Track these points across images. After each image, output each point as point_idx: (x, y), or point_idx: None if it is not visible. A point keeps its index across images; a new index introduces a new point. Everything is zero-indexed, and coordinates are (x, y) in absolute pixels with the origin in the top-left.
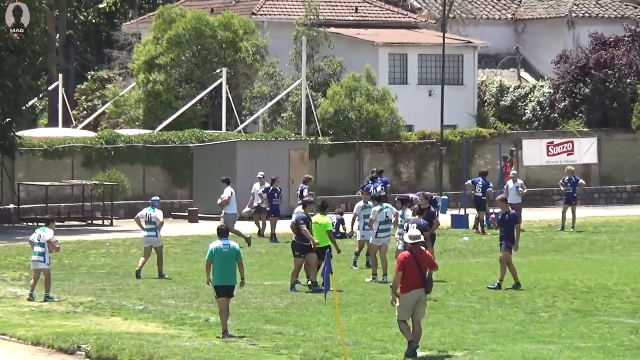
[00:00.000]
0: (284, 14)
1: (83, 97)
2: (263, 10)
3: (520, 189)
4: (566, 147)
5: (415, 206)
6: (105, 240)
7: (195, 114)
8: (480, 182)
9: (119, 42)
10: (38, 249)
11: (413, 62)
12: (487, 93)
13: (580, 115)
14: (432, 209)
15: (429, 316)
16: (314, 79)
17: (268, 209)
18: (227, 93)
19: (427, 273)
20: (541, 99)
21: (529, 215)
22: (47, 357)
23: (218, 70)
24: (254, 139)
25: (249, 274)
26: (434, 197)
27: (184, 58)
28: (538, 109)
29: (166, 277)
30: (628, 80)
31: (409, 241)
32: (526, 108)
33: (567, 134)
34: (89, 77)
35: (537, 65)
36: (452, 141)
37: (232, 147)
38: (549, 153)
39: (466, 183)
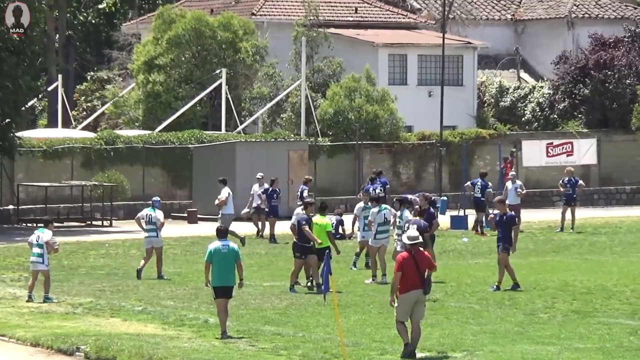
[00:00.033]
0: (284, 15)
1: (83, 98)
2: (263, 11)
3: (519, 190)
4: (566, 148)
5: (417, 207)
6: (104, 241)
7: (195, 114)
8: (479, 183)
9: (119, 42)
10: (37, 250)
11: (413, 63)
12: (487, 94)
13: (579, 116)
14: (431, 210)
15: (428, 317)
16: (314, 79)
17: (267, 209)
18: (226, 94)
19: (426, 274)
20: (541, 100)
21: (528, 216)
22: (46, 358)
23: (218, 71)
24: (253, 139)
25: (249, 275)
26: (432, 198)
27: (183, 59)
28: (538, 110)
29: (165, 278)
30: (628, 81)
31: (408, 242)
32: (526, 109)
33: (567, 135)
34: (89, 77)
35: (537, 66)
36: (451, 142)
37: (232, 148)
38: (549, 154)
39: (465, 185)
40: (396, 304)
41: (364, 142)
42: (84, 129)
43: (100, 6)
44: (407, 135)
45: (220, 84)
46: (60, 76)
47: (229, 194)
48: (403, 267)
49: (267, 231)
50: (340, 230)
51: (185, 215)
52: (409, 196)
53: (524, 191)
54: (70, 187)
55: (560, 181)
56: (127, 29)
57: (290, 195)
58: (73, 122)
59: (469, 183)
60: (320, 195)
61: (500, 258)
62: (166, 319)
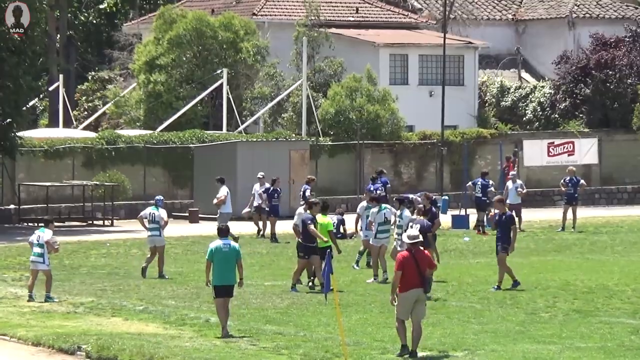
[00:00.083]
0: (285, 15)
1: (84, 98)
2: (264, 11)
3: (519, 189)
4: (567, 148)
5: (420, 206)
6: (105, 240)
7: (196, 114)
8: (479, 183)
9: (120, 42)
10: (37, 249)
11: (414, 63)
12: (488, 94)
13: (581, 115)
14: (433, 209)
15: (430, 316)
16: (315, 79)
17: (267, 209)
18: (227, 93)
19: (426, 273)
20: (542, 100)
21: (529, 215)
22: (47, 357)
23: (219, 71)
24: (254, 139)
25: (250, 274)
26: (433, 197)
27: (184, 59)
28: (539, 110)
29: (166, 277)
30: (629, 80)
31: (408, 241)
32: (527, 108)
33: (568, 135)
34: (90, 77)
35: (538, 65)
36: (452, 142)
37: (233, 148)
38: (550, 154)
39: (467, 185)
40: (396, 303)
41: (365, 142)
42: (85, 128)
43: (101, 6)
44: (408, 135)
45: (222, 84)
46: (61, 76)
47: (227, 192)
48: (403, 266)
49: (268, 230)
50: (341, 230)
51: (187, 214)
52: (410, 195)
53: (525, 190)
54: (71, 186)
55: (562, 180)
56: (128, 29)
57: (292, 195)
58: (74, 122)
59: (470, 183)
60: (321, 195)
61: (499, 258)
62: (167, 319)
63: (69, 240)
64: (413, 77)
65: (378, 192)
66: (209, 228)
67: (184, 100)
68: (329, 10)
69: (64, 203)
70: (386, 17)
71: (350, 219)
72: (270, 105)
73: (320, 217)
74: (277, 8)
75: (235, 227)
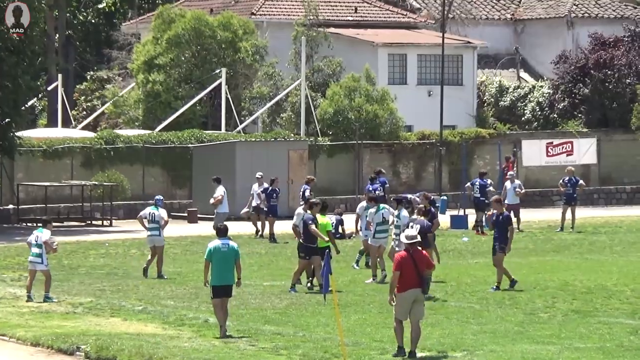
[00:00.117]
0: (284, 14)
1: (82, 98)
2: (262, 11)
3: (518, 189)
4: (565, 148)
5: (421, 206)
6: (104, 240)
7: (195, 114)
8: (477, 183)
9: (119, 42)
10: (35, 250)
11: (412, 63)
12: (487, 93)
13: (579, 115)
14: (432, 209)
15: (429, 317)
16: (314, 79)
17: (266, 209)
18: (226, 93)
19: (424, 273)
20: (540, 100)
21: (528, 215)
22: (46, 357)
23: (217, 71)
24: (253, 139)
25: (249, 274)
26: (432, 197)
27: (183, 58)
28: (537, 110)
29: (165, 277)
30: (627, 80)
31: (406, 241)
32: (525, 108)
33: (567, 135)
34: (89, 77)
35: (537, 65)
36: (451, 141)
37: (232, 148)
38: (549, 153)
39: (466, 185)
40: (395, 303)
41: (363, 142)
42: (83, 128)
43: (100, 6)
44: (407, 134)
45: (220, 84)
46: (60, 76)
47: (224, 192)
48: (401, 266)
49: (266, 230)
50: (340, 230)
51: (185, 214)
52: (409, 195)
53: (523, 190)
54: (70, 186)
55: (561, 180)
56: (126, 28)
57: (290, 195)
58: (73, 122)
59: (468, 184)
60: (320, 195)
61: (498, 258)
62: (166, 319)
63: (68, 241)
64: (412, 76)
65: (377, 192)
66: (207, 228)
67: (182, 100)
68: (328, 9)
69: (62, 203)
70: (385, 17)
71: (349, 219)
72: (269, 105)
73: (319, 217)
74: (275, 7)
75: (233, 227)
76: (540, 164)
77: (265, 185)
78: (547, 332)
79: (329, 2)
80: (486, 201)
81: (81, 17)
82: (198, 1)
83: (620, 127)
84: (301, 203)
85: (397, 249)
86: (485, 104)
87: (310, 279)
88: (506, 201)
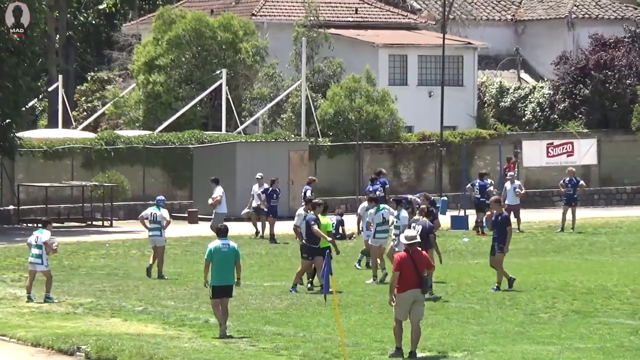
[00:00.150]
0: (284, 15)
1: (83, 98)
2: (263, 11)
3: (517, 190)
4: (566, 149)
5: (423, 207)
6: (105, 241)
7: (195, 115)
8: (477, 184)
9: (119, 43)
10: (35, 251)
11: (413, 63)
12: (487, 94)
13: (580, 116)
14: (432, 210)
15: (429, 317)
16: (314, 80)
17: (266, 209)
18: (227, 94)
19: (424, 273)
20: (541, 100)
21: (528, 216)
22: (46, 358)
23: (218, 72)
24: (253, 140)
25: (249, 275)
26: (432, 198)
27: (183, 59)
28: (538, 110)
29: (166, 277)
30: (628, 81)
31: (405, 242)
32: (526, 109)
33: (567, 135)
34: (89, 78)
35: (537, 66)
36: (452, 142)
37: (232, 149)
38: (549, 154)
39: (467, 187)
40: (394, 304)
41: (364, 143)
42: (84, 129)
43: (100, 7)
44: (408, 135)
45: (221, 85)
46: (60, 77)
47: (222, 193)
48: (401, 266)
49: (267, 231)
50: (340, 231)
51: (186, 215)
52: (409, 196)
53: (523, 191)
54: (70, 187)
55: (561, 181)
56: (127, 29)
57: (291, 196)
58: (73, 123)
59: (469, 185)
60: (320, 196)
61: (497, 258)
62: (167, 319)
63: (68, 241)
64: (412, 77)
65: (377, 192)
66: (208, 229)
67: (183, 101)
68: (328, 10)
69: (63, 204)
70: (385, 18)
71: (349, 220)
72: (269, 105)
73: (320, 218)
74: (276, 8)
75: (234, 227)
76: (540, 165)
77: (266, 185)
78: (547, 332)
79: (330, 3)
80: (486, 202)
81: (82, 18)
82: (198, 2)
83: (620, 127)
84: (303, 204)
85: (396, 249)
86: (486, 105)
87: (311, 279)
88: (506, 202)
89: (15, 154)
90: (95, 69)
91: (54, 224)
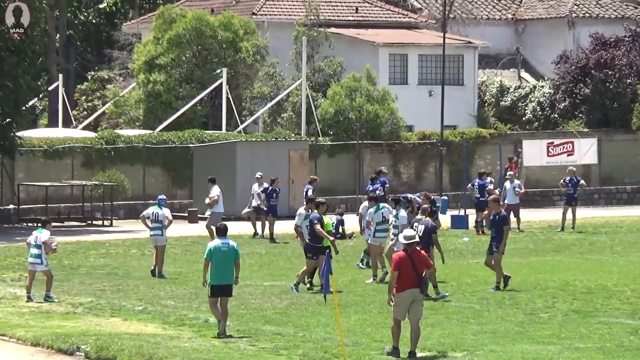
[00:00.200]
0: (284, 14)
1: (83, 98)
2: (263, 11)
3: (517, 189)
4: (566, 148)
5: (426, 206)
6: (105, 240)
7: (196, 114)
8: (476, 183)
9: (119, 42)
10: (34, 250)
11: (413, 63)
12: (488, 93)
13: (580, 115)
14: (436, 210)
15: (429, 317)
16: (314, 79)
17: (265, 209)
18: (227, 93)
19: (423, 273)
20: (541, 100)
21: (528, 215)
22: (46, 357)
23: (218, 71)
24: (254, 139)
25: (249, 274)
26: (432, 197)
27: (184, 58)
28: (538, 110)
29: (166, 277)
30: (628, 80)
31: (404, 241)
32: (526, 108)
33: (568, 135)
34: (89, 77)
35: (538, 65)
36: (452, 141)
37: (232, 148)
38: (549, 153)
39: (467, 187)
40: (393, 303)
41: (364, 142)
42: (84, 128)
43: (100, 6)
44: (408, 134)
45: (221, 84)
46: (60, 76)
47: (219, 192)
48: (399, 266)
49: (266, 230)
50: (340, 230)
51: (186, 214)
52: (409, 195)
53: (522, 190)
54: (70, 186)
55: (562, 180)
56: (127, 28)
57: (291, 195)
58: (74, 122)
59: (469, 185)
60: (320, 195)
61: (495, 258)
62: (166, 319)
63: (68, 241)
64: (412, 76)
65: (377, 192)
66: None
67: (183, 100)
68: (329, 9)
69: (63, 203)
70: (386, 17)
71: (349, 220)
72: (269, 105)
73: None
74: (276, 7)
75: (233, 227)
76: (541, 164)
77: (265, 185)
78: (547, 332)
79: (330, 2)
80: (486, 201)
81: (82, 17)
82: (199, 1)
83: (621, 127)
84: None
85: (395, 248)
86: (486, 104)
87: (310, 279)
88: (506, 201)
89: (15, 153)
90: (96, 68)
91: (54, 224)
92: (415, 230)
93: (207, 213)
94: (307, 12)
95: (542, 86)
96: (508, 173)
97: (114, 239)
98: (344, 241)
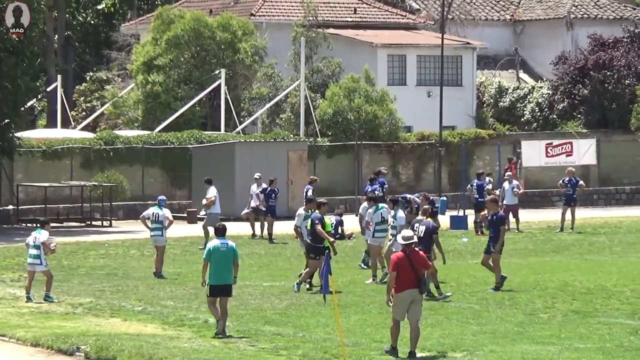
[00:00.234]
0: (283, 15)
1: (82, 98)
2: (262, 12)
3: (515, 189)
4: (565, 149)
5: (427, 207)
6: (104, 241)
7: (194, 115)
8: (475, 184)
9: (118, 43)
10: (33, 251)
11: (412, 63)
12: (486, 94)
13: (579, 116)
14: (437, 211)
15: (428, 317)
16: (313, 80)
17: (264, 209)
18: (226, 94)
19: (421, 273)
20: (540, 100)
21: (527, 216)
22: (46, 358)
23: (217, 72)
24: (252, 140)
25: (248, 275)
26: (431, 198)
27: (182, 59)
28: (537, 110)
29: (165, 277)
30: (627, 81)
31: (402, 242)
32: (525, 109)
33: (566, 135)
34: (88, 78)
35: (536, 66)
36: (451, 142)
37: (231, 148)
38: (548, 154)
39: (467, 188)
40: (392, 304)
41: (363, 143)
42: (83, 129)
43: (99, 7)
44: (407, 135)
45: (220, 85)
46: (59, 76)
47: (216, 193)
48: (398, 267)
49: (265, 231)
50: (339, 231)
51: (185, 215)
52: (408, 196)
53: (521, 190)
54: (69, 187)
55: (560, 181)
56: (126, 29)
57: (290, 196)
58: (72, 123)
59: (469, 185)
60: (319, 196)
61: (494, 258)
62: (166, 319)
63: (68, 241)
64: (411, 77)
65: (376, 192)
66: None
67: (182, 101)
68: (327, 10)
69: (62, 204)
70: (384, 18)
71: (348, 220)
72: (268, 105)
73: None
74: (275, 8)
75: (233, 227)
76: (539, 165)
77: (264, 185)
78: (546, 332)
79: (329, 3)
80: (483, 201)
81: (80, 18)
82: (197, 2)
83: (619, 127)
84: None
85: (393, 249)
86: (485, 105)
87: (310, 280)
88: (505, 202)
89: (14, 154)
90: (94, 69)
91: (53, 224)
92: (416, 231)
93: (202, 213)
94: (306, 13)
95: (541, 87)
96: (507, 174)
97: (113, 240)
98: (343, 242)
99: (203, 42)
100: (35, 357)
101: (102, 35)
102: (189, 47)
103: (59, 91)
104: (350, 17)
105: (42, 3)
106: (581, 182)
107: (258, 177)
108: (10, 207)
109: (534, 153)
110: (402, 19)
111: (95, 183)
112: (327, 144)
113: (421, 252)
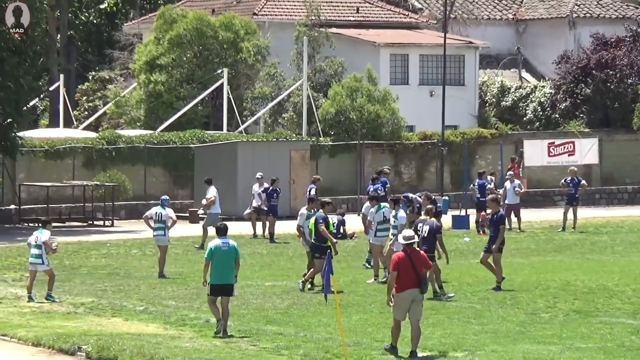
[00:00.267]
0: (285, 15)
1: (84, 98)
2: (264, 11)
3: (517, 189)
4: (567, 148)
5: (431, 207)
6: (106, 240)
7: (197, 114)
8: (476, 183)
9: (120, 42)
10: (35, 251)
11: (414, 63)
12: (488, 93)
13: (581, 115)
14: (441, 210)
15: (430, 317)
16: (315, 79)
17: (266, 209)
18: (228, 93)
19: (422, 273)
20: (542, 100)
21: (529, 215)
22: (47, 357)
23: (219, 71)
24: (255, 139)
25: (250, 274)
26: (433, 197)
27: (185, 58)
28: (539, 110)
29: (167, 277)
30: (629, 80)
31: (403, 242)
32: (527, 108)
33: (568, 135)
34: (90, 77)
35: (539, 65)
36: (453, 142)
37: (233, 148)
38: (550, 154)
39: (469, 187)
40: (393, 304)
41: (365, 142)
42: (85, 128)
43: (101, 6)
44: (409, 134)
45: (222, 84)
46: (61, 76)
47: (216, 193)
48: (399, 266)
49: (267, 231)
50: (341, 230)
51: (187, 215)
52: (409, 194)
53: (523, 190)
54: (71, 187)
55: (562, 180)
56: (128, 28)
57: (292, 195)
58: (75, 122)
59: (471, 185)
60: (322, 195)
61: (495, 257)
62: (168, 319)
63: (70, 241)
64: (413, 77)
65: (378, 192)
66: (209, 228)
67: (184, 100)
68: (330, 10)
69: (64, 203)
70: (387, 17)
71: (351, 220)
72: (270, 105)
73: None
74: (277, 8)
75: (234, 227)
76: (542, 164)
77: (266, 185)
78: (548, 332)
79: (331, 2)
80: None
81: (83, 18)
82: (200, 1)
83: (622, 127)
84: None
85: (394, 249)
86: (487, 104)
87: (311, 279)
88: (507, 201)
89: (16, 154)
90: (97, 68)
91: (55, 224)
92: (419, 230)
93: (200, 211)
94: (308, 13)
95: (543, 86)
96: (508, 173)
97: (115, 239)
98: (345, 241)
99: (205, 41)
100: (36, 357)
101: (105, 34)
102: (191, 46)
103: (62, 91)
104: (353, 17)
105: (44, 2)
106: (583, 181)
107: (260, 177)
108: (13, 206)
109: (536, 152)
110: (405, 18)
111: (98, 183)
112: (330, 143)
113: (422, 252)
